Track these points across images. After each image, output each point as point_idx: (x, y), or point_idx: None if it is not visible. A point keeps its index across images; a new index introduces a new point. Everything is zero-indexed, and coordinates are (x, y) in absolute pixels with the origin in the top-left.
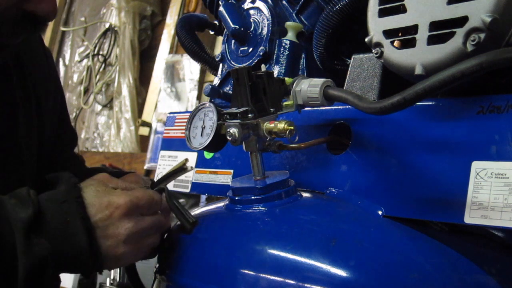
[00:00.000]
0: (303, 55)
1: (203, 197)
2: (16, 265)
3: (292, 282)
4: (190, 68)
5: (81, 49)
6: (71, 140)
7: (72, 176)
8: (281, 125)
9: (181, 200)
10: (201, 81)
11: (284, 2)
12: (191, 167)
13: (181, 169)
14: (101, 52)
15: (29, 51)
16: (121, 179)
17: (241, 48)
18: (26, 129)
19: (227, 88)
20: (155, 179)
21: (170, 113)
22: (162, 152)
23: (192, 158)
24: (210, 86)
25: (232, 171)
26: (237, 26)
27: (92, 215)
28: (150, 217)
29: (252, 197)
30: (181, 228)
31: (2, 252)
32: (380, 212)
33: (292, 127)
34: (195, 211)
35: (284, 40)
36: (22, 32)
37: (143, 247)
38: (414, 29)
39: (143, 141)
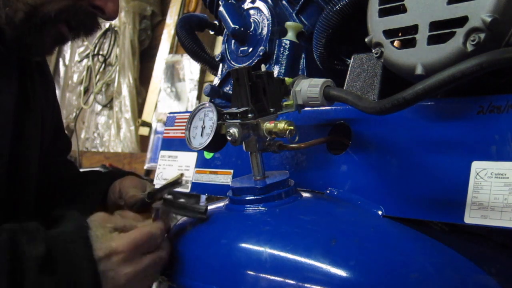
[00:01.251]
0: (303, 55)
1: (203, 197)
2: None
3: (292, 282)
4: (190, 68)
5: (81, 49)
6: (66, 148)
7: (80, 216)
8: (281, 125)
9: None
10: (201, 81)
11: (284, 2)
12: (186, 181)
13: (176, 182)
14: (101, 52)
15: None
16: (121, 182)
17: (241, 48)
18: (34, 138)
19: (227, 88)
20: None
21: (170, 113)
22: (162, 152)
23: (192, 158)
24: (210, 86)
25: (232, 171)
26: (237, 26)
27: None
28: (150, 255)
29: (252, 197)
30: (197, 221)
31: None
32: (380, 212)
33: (292, 127)
34: None
35: (284, 40)
36: (90, 25)
37: (143, 286)
38: (414, 29)
39: (143, 141)
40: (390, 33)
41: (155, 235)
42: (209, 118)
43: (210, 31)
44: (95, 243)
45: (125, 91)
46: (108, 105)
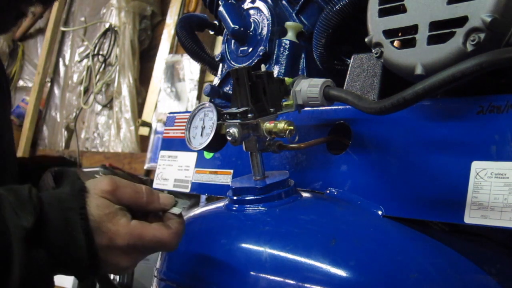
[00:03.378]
0: (303, 55)
1: (203, 197)
2: (9, 275)
3: (292, 282)
4: (190, 68)
5: (81, 49)
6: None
7: (78, 178)
8: (281, 125)
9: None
10: (201, 81)
11: (284, 2)
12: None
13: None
14: (101, 52)
15: None
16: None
17: (241, 48)
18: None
19: (227, 88)
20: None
21: (170, 113)
22: (162, 152)
23: (192, 158)
24: (210, 86)
25: (232, 171)
26: (237, 26)
27: (93, 230)
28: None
29: (252, 197)
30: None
31: None
32: (380, 212)
33: (292, 127)
34: (195, 211)
35: (284, 40)
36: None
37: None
38: (414, 29)
39: (143, 141)
40: (390, 33)
41: (165, 246)
42: (209, 118)
43: (210, 31)
44: (96, 218)
45: (125, 91)
46: (108, 105)
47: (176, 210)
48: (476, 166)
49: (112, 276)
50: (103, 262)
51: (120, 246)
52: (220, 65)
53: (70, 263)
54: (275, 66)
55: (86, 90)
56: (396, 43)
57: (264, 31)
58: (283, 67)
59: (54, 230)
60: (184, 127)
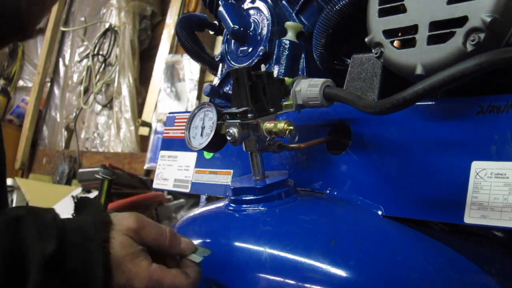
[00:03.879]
0: (303, 55)
1: (203, 197)
2: None
3: (292, 282)
4: (190, 68)
5: (81, 49)
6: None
7: (102, 209)
8: (281, 125)
9: (181, 200)
10: (201, 81)
11: (284, 2)
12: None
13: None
14: (101, 52)
15: None
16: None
17: (241, 48)
18: None
19: (227, 88)
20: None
21: (170, 113)
22: (162, 152)
23: (192, 158)
24: (210, 86)
25: (232, 171)
26: (237, 26)
27: (112, 268)
28: None
29: (252, 197)
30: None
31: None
32: (380, 212)
33: (292, 127)
34: (195, 211)
35: (284, 40)
36: None
37: None
38: (414, 29)
39: (143, 141)
40: (390, 33)
41: None
42: (209, 118)
43: (210, 31)
44: (117, 258)
45: (125, 91)
46: (108, 105)
47: (195, 258)
48: (476, 166)
49: None
50: None
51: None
52: (220, 65)
53: None
54: (275, 66)
55: (86, 90)
56: (396, 43)
57: (264, 31)
58: (283, 67)
59: (74, 260)
60: (184, 127)
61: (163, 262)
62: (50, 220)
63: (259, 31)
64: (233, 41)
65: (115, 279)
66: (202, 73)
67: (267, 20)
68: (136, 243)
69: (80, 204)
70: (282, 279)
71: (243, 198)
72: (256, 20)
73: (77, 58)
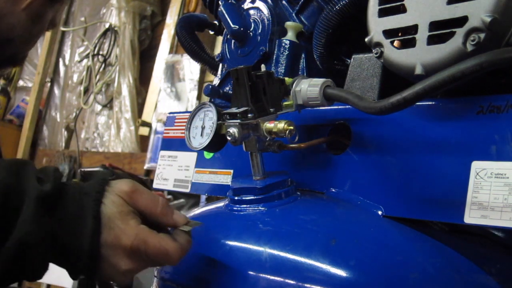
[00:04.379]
0: (303, 55)
1: (203, 197)
2: (11, 232)
3: (292, 282)
4: (190, 68)
5: (81, 49)
6: None
7: (105, 174)
8: (281, 125)
9: (181, 200)
10: (201, 81)
11: (284, 2)
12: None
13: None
14: (101, 52)
15: None
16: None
17: (241, 48)
18: None
19: (227, 88)
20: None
21: (170, 113)
22: (162, 152)
23: (192, 158)
24: (210, 86)
25: (232, 171)
26: (237, 26)
27: (102, 223)
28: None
29: (252, 197)
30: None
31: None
32: (380, 212)
33: (292, 127)
34: (195, 211)
35: (284, 40)
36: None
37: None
38: (414, 29)
39: (143, 141)
40: (390, 33)
41: (168, 257)
42: (209, 118)
43: (210, 31)
44: (109, 216)
45: (125, 91)
46: (108, 105)
47: (186, 228)
48: (476, 166)
49: None
50: (104, 260)
51: (124, 246)
52: (220, 65)
53: (71, 248)
54: (275, 66)
55: (86, 90)
56: (396, 43)
57: (264, 31)
58: (283, 67)
59: (68, 208)
60: (184, 127)
61: (155, 230)
62: (52, 170)
63: (259, 31)
64: (233, 41)
65: (103, 235)
66: (202, 73)
67: (267, 20)
68: (127, 204)
69: (86, 175)
70: (282, 279)
71: (243, 198)
72: (256, 20)
73: (77, 58)
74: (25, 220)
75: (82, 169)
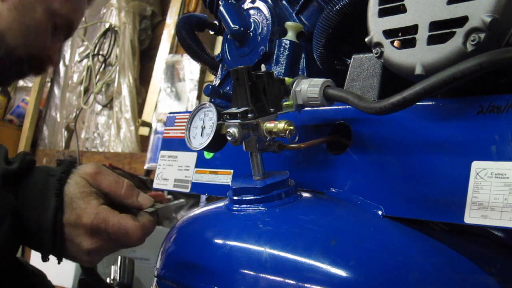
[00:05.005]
0: (303, 55)
1: (203, 197)
2: None
3: (292, 282)
4: (190, 68)
5: (81, 49)
6: None
7: (73, 161)
8: (281, 125)
9: (181, 200)
10: (201, 81)
11: (284, 2)
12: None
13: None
14: (101, 52)
15: None
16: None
17: (241, 48)
18: None
19: (227, 88)
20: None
21: (170, 113)
22: (162, 152)
23: (192, 158)
24: (210, 86)
25: (232, 171)
26: (237, 26)
27: (65, 202)
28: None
29: (252, 197)
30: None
31: None
32: (380, 212)
33: (292, 127)
34: (195, 211)
35: (284, 40)
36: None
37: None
38: (414, 29)
39: (143, 141)
40: (390, 33)
41: (128, 236)
42: (209, 118)
43: (210, 31)
44: (71, 195)
45: (125, 91)
46: (108, 105)
47: (150, 210)
48: (476, 166)
49: (112, 276)
50: (68, 240)
51: (84, 224)
52: (220, 65)
53: (35, 224)
54: (275, 66)
55: (86, 90)
56: (396, 43)
57: (264, 31)
58: (283, 67)
59: (32, 186)
60: (184, 127)
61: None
62: (22, 153)
63: (259, 31)
64: (233, 41)
65: (66, 215)
66: (202, 73)
67: (267, 20)
68: (90, 185)
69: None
70: (282, 279)
71: (243, 198)
72: (256, 20)
73: (77, 58)
74: None
75: (59, 159)
